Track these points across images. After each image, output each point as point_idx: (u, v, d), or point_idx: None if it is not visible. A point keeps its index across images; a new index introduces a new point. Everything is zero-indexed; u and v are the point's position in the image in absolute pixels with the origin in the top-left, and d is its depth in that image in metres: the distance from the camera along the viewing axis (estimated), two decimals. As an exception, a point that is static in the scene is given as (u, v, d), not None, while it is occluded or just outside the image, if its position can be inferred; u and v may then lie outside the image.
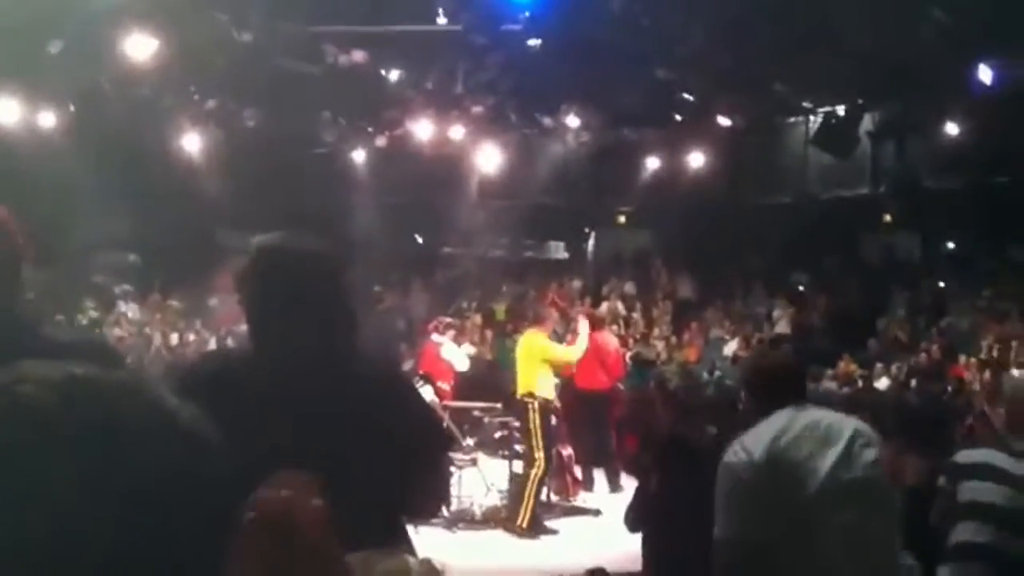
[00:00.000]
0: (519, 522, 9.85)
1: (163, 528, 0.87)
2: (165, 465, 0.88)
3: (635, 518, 5.84)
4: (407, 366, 13.00)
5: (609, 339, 12.35)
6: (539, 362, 10.07)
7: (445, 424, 10.47)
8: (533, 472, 9.88)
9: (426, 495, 2.86)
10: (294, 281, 2.61)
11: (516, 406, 10.29)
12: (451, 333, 12.63)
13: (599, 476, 11.90)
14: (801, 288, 17.77)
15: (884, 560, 3.78)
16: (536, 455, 9.89)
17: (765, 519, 3.74)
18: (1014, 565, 4.34)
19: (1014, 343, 13.58)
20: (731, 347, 16.32)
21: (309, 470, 1.44)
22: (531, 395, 9.97)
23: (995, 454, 4.56)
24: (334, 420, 2.47)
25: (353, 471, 2.34)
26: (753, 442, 3.80)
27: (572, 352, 10.59)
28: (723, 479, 3.85)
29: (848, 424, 3.92)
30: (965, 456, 4.64)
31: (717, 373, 15.34)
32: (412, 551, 2.45)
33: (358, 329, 2.78)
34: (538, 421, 9.91)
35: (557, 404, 10.23)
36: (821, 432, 3.81)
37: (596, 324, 12.37)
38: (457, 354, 12.42)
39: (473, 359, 13.69)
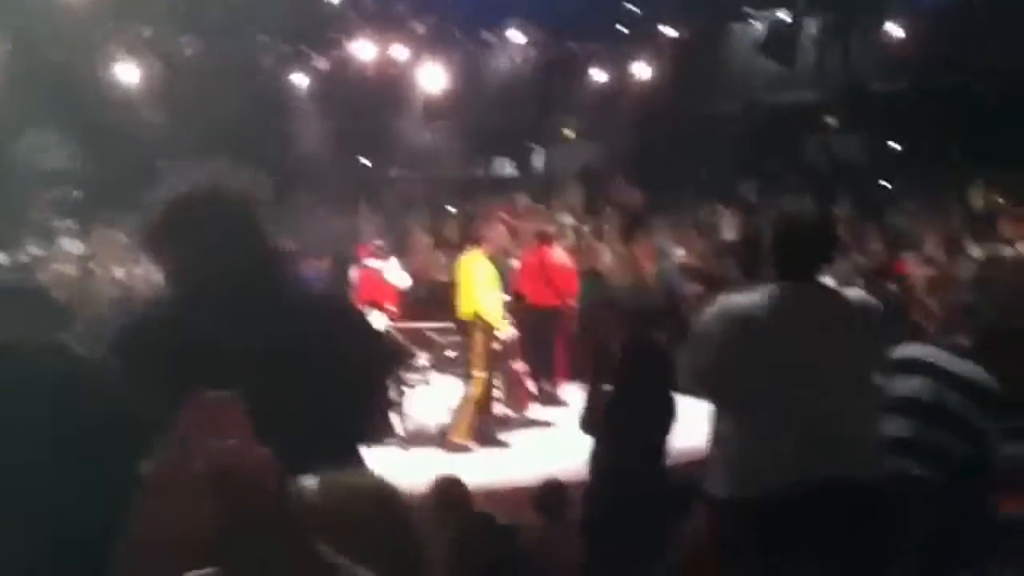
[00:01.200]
0: (449, 436, 9.86)
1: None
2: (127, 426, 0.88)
3: (590, 421, 5.96)
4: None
5: (558, 255, 12.36)
6: (480, 282, 9.95)
7: (400, 342, 10.46)
8: (471, 391, 9.89)
9: (375, 415, 2.88)
10: (208, 228, 2.60)
11: (460, 327, 10.25)
12: (391, 257, 12.39)
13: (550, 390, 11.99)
14: (749, 195, 17.84)
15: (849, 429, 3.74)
16: (476, 375, 9.89)
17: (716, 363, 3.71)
18: (936, 458, 4.35)
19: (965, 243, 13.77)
20: (679, 255, 16.41)
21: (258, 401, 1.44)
22: (475, 315, 9.90)
23: (929, 348, 4.56)
24: (276, 350, 2.47)
25: (302, 398, 2.35)
26: (730, 303, 3.74)
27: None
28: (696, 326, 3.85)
29: (852, 307, 3.81)
30: (899, 351, 4.62)
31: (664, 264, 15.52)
32: (366, 471, 2.48)
33: (283, 259, 2.79)
34: (482, 341, 9.89)
35: (505, 321, 10.16)
36: (811, 312, 3.72)
37: (545, 240, 12.38)
38: (400, 274, 12.25)
39: (423, 280, 13.60)
